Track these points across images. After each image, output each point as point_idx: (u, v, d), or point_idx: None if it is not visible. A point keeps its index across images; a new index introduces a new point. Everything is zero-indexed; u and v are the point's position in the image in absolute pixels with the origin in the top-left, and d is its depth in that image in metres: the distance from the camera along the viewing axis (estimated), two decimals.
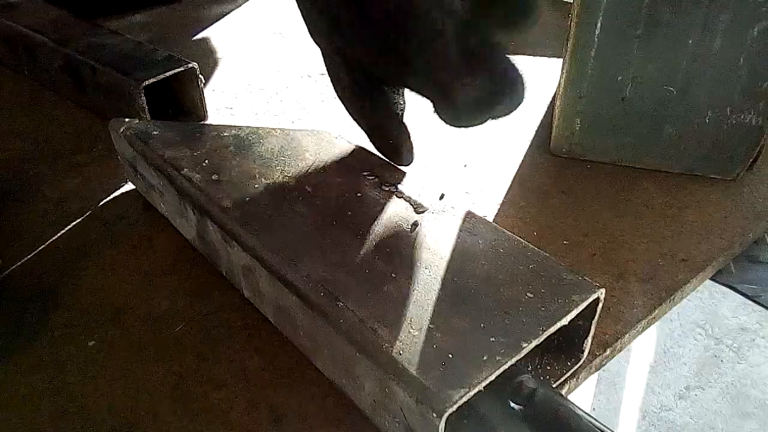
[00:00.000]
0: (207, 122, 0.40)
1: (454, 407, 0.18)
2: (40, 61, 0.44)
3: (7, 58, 0.48)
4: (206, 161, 0.29)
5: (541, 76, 0.46)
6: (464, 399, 0.19)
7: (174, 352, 0.25)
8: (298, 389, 0.24)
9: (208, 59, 0.49)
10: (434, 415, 0.18)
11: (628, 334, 0.26)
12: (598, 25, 0.32)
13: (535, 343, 0.20)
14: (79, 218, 0.33)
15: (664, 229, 0.32)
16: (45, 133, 0.40)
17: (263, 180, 0.28)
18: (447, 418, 0.18)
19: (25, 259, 0.30)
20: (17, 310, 0.27)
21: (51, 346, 0.26)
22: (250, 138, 0.31)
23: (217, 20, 0.56)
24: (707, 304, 1.59)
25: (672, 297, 0.28)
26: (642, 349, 1.51)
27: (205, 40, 0.52)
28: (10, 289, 0.28)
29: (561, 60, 0.36)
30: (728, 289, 1.20)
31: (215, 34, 0.54)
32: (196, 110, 0.40)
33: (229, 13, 0.58)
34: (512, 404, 0.22)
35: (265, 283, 0.25)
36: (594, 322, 0.23)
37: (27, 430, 0.23)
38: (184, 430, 0.22)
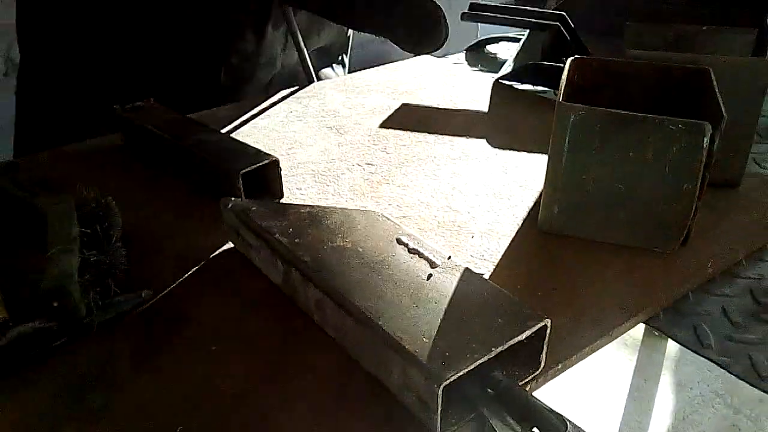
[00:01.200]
0: (286, 201, 0.54)
1: (448, 381, 0.31)
2: (160, 151, 0.60)
3: (135, 147, 0.64)
4: (290, 230, 0.43)
5: (536, 170, 0.60)
6: (454, 378, 0.31)
7: (268, 353, 0.38)
8: (352, 376, 0.36)
9: (282, 150, 0.64)
10: (435, 386, 0.31)
11: (575, 356, 0.38)
12: (566, 141, 0.46)
13: (500, 349, 0.33)
14: (195, 266, 0.47)
15: (614, 287, 0.44)
16: (164, 206, 0.55)
17: (330, 243, 0.42)
18: (443, 390, 0.31)
19: (161, 294, 0.44)
20: (162, 327, 0.41)
21: (188, 347, 0.39)
22: (318, 214, 0.45)
23: (286, 116, 0.72)
24: (727, 375, 1.64)
25: (610, 333, 0.40)
26: (661, 415, 1.56)
27: (276, 134, 0.68)
28: (154, 314, 0.42)
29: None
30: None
31: (285, 129, 0.69)
32: (276, 191, 0.55)
33: (293, 112, 0.74)
34: (488, 389, 0.34)
35: (330, 310, 0.38)
36: (546, 342, 0.35)
37: (176, 401, 0.36)
38: (280, 408, 0.35)
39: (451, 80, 0.83)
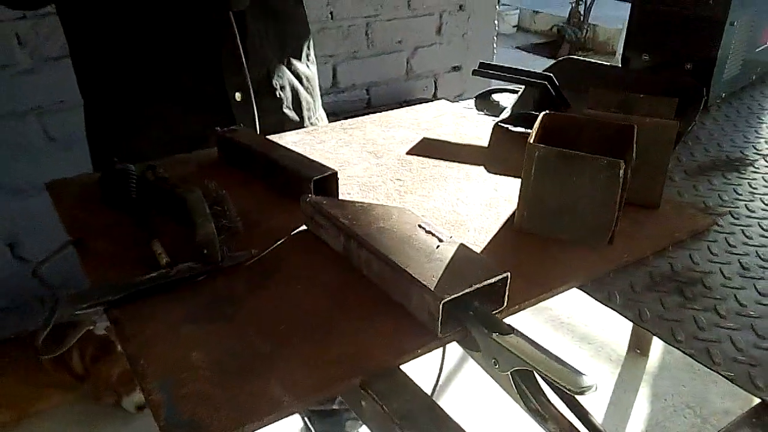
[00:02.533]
0: (342, 199, 0.78)
1: (446, 299, 0.54)
2: (250, 163, 0.84)
3: (231, 159, 0.88)
4: (349, 216, 0.67)
5: (517, 189, 0.83)
6: (449, 299, 0.54)
7: (332, 290, 0.61)
8: (385, 305, 0.59)
9: (335, 166, 0.87)
10: (439, 302, 0.54)
11: (526, 302, 0.61)
12: (533, 169, 0.69)
13: (477, 286, 0.56)
14: (280, 239, 0.70)
15: (558, 265, 0.67)
16: (257, 199, 0.79)
17: (375, 224, 0.65)
18: (443, 306, 0.54)
19: (263, 253, 0.67)
20: (264, 271, 0.64)
21: (281, 284, 0.62)
22: (367, 207, 0.69)
23: (336, 142, 0.96)
24: (699, 390, 1.83)
25: (551, 291, 0.63)
26: (637, 422, 1.76)
27: (330, 155, 0.91)
28: (258, 263, 0.65)
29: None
30: (719, 376, 1.51)
31: (336, 152, 0.93)
32: (335, 194, 0.78)
33: (342, 140, 0.98)
34: (470, 312, 0.57)
35: (375, 264, 0.61)
36: (507, 288, 0.58)
37: (276, 312, 0.59)
38: (339, 318, 0.58)
39: (462, 121, 1.07)
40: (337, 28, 2.26)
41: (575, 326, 2.09)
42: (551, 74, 1.02)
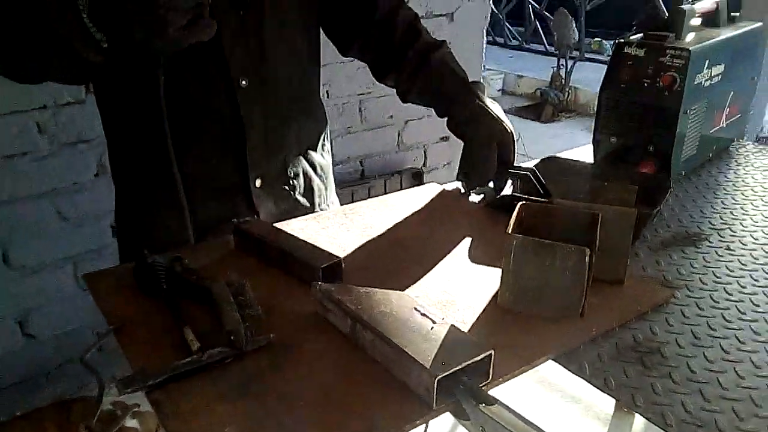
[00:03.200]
0: (345, 283, 0.88)
1: (440, 377, 0.64)
2: (264, 251, 0.95)
3: (247, 248, 0.99)
4: (354, 300, 0.77)
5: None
6: (443, 375, 0.64)
7: (341, 367, 0.71)
8: (387, 380, 0.69)
9: (339, 252, 0.98)
10: (434, 379, 0.64)
11: (508, 375, 0.71)
12: (511, 255, 0.80)
13: (466, 363, 0.66)
14: (296, 320, 0.80)
15: (536, 338, 0.77)
16: (271, 285, 0.89)
17: (377, 308, 0.75)
18: (437, 382, 0.64)
19: (279, 336, 0.77)
20: (282, 352, 0.74)
21: (296, 363, 0.72)
22: (370, 293, 0.79)
23: (338, 227, 1.07)
24: None
25: (530, 363, 0.73)
26: None
27: (333, 240, 1.03)
28: (277, 345, 0.75)
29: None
30: None
31: (338, 237, 1.04)
32: (340, 278, 0.89)
33: (344, 224, 1.09)
34: (460, 386, 0.67)
35: (378, 344, 0.71)
36: (491, 364, 0.68)
37: (295, 387, 0.68)
38: (345, 391, 0.68)
39: (451, 203, 1.19)
40: (333, 106, 2.42)
41: (564, 387, 2.17)
42: (534, 168, 1.14)
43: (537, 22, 6.84)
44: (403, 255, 0.98)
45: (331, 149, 1.34)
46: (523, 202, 0.89)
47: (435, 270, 0.94)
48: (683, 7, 1.21)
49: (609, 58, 1.30)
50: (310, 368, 0.72)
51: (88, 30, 0.81)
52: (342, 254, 0.94)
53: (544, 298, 0.81)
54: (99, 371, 0.74)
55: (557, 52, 5.68)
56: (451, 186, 1.29)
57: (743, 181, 1.28)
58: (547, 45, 6.75)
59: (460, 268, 0.95)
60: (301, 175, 1.19)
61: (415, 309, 0.76)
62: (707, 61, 1.21)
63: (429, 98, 1.21)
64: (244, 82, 1.04)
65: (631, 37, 1.26)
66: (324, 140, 1.28)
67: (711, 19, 1.35)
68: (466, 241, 1.03)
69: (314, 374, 0.71)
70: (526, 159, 1.35)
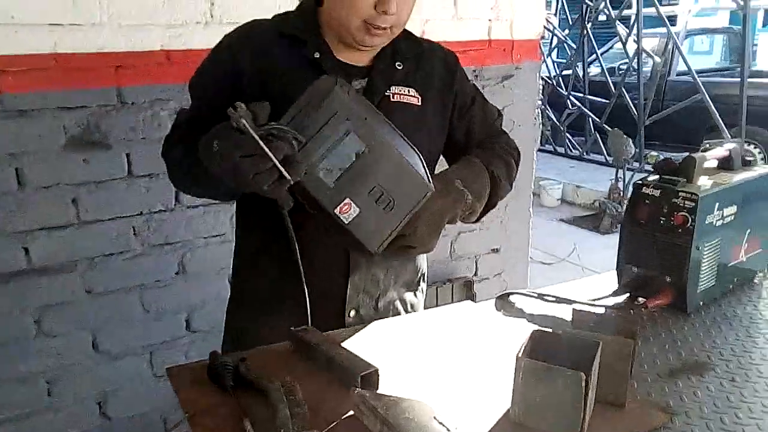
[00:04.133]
0: (380, 393, 1.04)
1: None
2: (315, 357, 1.12)
3: (302, 352, 1.16)
4: (384, 407, 0.92)
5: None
6: None
7: None
8: None
9: (376, 362, 1.14)
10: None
11: None
12: (521, 375, 0.94)
13: None
14: (338, 419, 0.96)
15: None
16: (318, 390, 1.05)
17: (402, 415, 0.90)
18: None
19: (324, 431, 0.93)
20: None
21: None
22: (396, 401, 0.94)
23: (379, 341, 1.24)
24: None
25: None
26: None
27: (374, 351, 1.19)
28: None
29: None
30: None
31: (378, 349, 1.20)
32: (376, 385, 1.04)
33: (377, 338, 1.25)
34: None
35: None
36: None
37: None
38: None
39: (484, 322, 1.34)
40: None
41: None
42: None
43: (597, 134, 7.05)
44: (431, 367, 1.12)
45: None
46: (536, 329, 1.04)
47: (457, 382, 1.08)
48: (694, 156, 1.37)
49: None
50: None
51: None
52: (379, 364, 1.10)
53: (548, 415, 0.93)
54: None
55: (614, 164, 5.84)
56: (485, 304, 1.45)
57: (761, 314, 1.37)
58: (606, 156, 6.90)
59: (479, 382, 1.09)
60: (391, 312, 1.38)
61: (434, 418, 0.90)
62: (717, 204, 1.35)
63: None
64: None
65: (648, 179, 1.42)
66: (420, 281, 1.45)
67: (726, 163, 1.50)
68: (490, 358, 1.17)
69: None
70: (581, 271, 1.49)
